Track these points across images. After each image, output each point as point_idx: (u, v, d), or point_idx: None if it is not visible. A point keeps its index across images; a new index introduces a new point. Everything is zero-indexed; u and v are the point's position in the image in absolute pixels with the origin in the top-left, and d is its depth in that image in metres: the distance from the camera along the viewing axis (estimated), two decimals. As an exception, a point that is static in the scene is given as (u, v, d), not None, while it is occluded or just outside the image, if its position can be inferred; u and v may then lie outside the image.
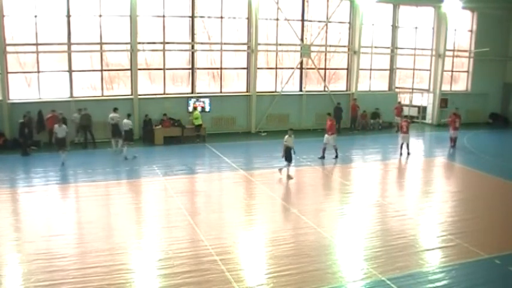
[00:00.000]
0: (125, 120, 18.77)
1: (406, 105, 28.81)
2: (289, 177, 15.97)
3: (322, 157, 18.67)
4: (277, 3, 24.15)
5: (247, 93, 24.43)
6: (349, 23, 25.97)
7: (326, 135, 18.78)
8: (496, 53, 28.75)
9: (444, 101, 28.37)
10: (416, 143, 23.56)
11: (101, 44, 21.42)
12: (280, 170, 16.20)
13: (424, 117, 29.24)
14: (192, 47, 23.23)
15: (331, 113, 20.29)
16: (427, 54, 28.34)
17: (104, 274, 8.95)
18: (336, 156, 18.83)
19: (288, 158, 15.93)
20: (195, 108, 22.28)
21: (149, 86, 23.04)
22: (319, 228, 11.46)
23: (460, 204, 14.12)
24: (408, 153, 19.91)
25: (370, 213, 12.96)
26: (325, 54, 26.40)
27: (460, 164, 18.88)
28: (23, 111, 19.47)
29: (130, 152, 18.55)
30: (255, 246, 10.65)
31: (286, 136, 16.10)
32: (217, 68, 24.11)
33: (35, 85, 20.83)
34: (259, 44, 23.86)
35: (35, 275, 8.90)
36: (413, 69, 28.57)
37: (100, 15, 21.08)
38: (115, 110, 19.77)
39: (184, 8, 22.73)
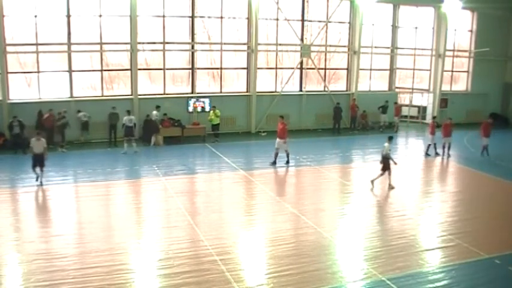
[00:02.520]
0: (131, 117, 19.42)
1: (406, 105, 28.85)
2: (390, 186, 15.00)
3: (274, 163, 17.59)
4: (277, 3, 24.14)
5: (247, 93, 24.42)
6: (349, 23, 25.96)
7: (277, 140, 17.61)
8: (496, 53, 28.74)
9: (444, 101, 28.40)
10: (416, 143, 23.57)
11: (101, 44, 21.41)
12: (390, 184, 15.10)
13: (424, 117, 29.24)
14: (192, 47, 23.22)
15: (283, 115, 19.00)
16: (427, 54, 28.34)
17: (104, 274, 8.95)
18: (287, 162, 17.78)
19: (386, 166, 14.91)
20: (214, 107, 22.11)
21: (149, 86, 23.04)
22: (319, 228, 11.46)
23: (460, 204, 14.12)
24: (437, 154, 19.75)
25: (370, 213, 12.97)
26: (325, 54, 26.39)
27: (460, 164, 18.85)
28: (23, 111, 19.52)
29: (130, 148, 19.08)
30: (255, 246, 10.65)
31: (386, 144, 15.07)
32: (217, 68, 24.10)
33: (35, 85, 20.83)
34: (259, 44, 23.85)
35: (35, 275, 8.90)
36: (413, 69, 28.56)
37: (100, 15, 21.07)
38: (157, 107, 21.03)
39: (184, 8, 22.73)
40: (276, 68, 25.23)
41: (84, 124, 20.62)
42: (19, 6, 19.88)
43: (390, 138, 15.26)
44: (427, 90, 28.86)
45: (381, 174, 14.93)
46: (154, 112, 20.96)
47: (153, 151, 20.08)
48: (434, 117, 21.11)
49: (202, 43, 23.63)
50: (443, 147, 19.57)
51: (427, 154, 19.90)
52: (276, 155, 17.62)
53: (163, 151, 20.08)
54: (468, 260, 9.91)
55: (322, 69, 26.32)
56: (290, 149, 20.71)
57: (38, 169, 14.43)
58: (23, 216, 12.41)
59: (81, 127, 20.64)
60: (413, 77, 28.77)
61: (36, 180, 14.55)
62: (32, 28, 20.16)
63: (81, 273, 8.98)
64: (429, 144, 19.98)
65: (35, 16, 20.12)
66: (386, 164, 14.88)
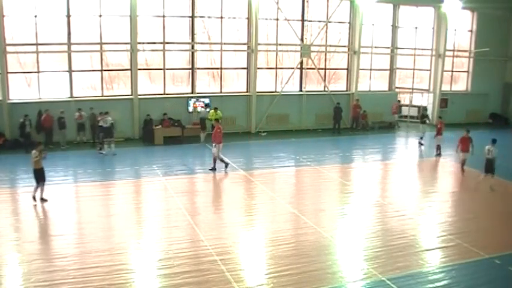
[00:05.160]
0: (108, 117, 19.05)
1: (406, 105, 28.86)
2: (491, 188, 14.93)
3: (226, 165, 16.71)
4: (277, 3, 24.14)
5: (247, 93, 24.41)
6: (349, 23, 25.96)
7: (213, 144, 16.58)
8: (496, 53, 28.75)
9: (444, 101, 28.42)
10: (416, 143, 23.54)
11: (101, 44, 21.41)
12: (491, 186, 14.97)
13: (424, 117, 29.25)
14: (192, 47, 23.22)
15: (219, 118, 18.41)
16: (427, 54, 28.34)
17: (104, 274, 8.94)
18: (213, 168, 16.55)
19: (490, 169, 14.97)
20: (216, 109, 21.89)
21: (149, 86, 23.04)
22: (319, 228, 11.46)
23: (460, 204, 14.14)
24: (439, 154, 19.64)
25: (370, 213, 12.96)
26: (325, 54, 26.39)
27: (460, 164, 18.81)
28: (23, 111, 19.52)
29: (110, 150, 18.91)
30: (255, 246, 10.65)
31: (488, 146, 15.04)
32: (217, 68, 24.09)
33: (35, 85, 20.82)
34: (259, 44, 23.85)
35: (35, 275, 8.90)
36: (413, 69, 28.57)
37: (100, 15, 21.07)
38: (207, 106, 21.94)
39: (184, 8, 22.73)
40: (276, 68, 25.21)
41: (81, 125, 20.65)
42: (19, 6, 19.87)
43: (494, 141, 15.28)
44: (427, 90, 28.86)
45: (491, 176, 15.06)
46: (202, 109, 21.80)
47: (152, 151, 20.07)
48: (440, 118, 20.81)
49: (202, 43, 23.63)
50: (462, 164, 17.04)
51: (438, 154, 19.70)
52: (221, 160, 16.68)
53: (163, 151, 20.07)
54: (468, 260, 9.91)
55: (322, 69, 26.31)
56: (290, 149, 20.83)
57: (40, 185, 13.04)
58: (23, 216, 12.39)
59: (78, 127, 20.66)
60: (413, 77, 28.77)
61: (34, 199, 12.98)
62: (32, 28, 20.16)
63: (81, 273, 8.98)
64: (438, 145, 19.75)
65: (35, 16, 20.11)
66: (490, 166, 15.02)
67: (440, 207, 13.58)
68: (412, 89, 28.63)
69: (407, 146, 23.68)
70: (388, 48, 27.40)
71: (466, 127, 17.66)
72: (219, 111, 21.90)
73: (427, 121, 22.52)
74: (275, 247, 10.38)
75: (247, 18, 23.79)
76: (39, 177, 12.96)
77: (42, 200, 13.03)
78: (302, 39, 24.98)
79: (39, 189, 13.02)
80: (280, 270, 9.26)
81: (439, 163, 19.26)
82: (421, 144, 21.67)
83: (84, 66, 21.65)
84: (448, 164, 18.93)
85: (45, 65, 20.86)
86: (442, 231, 11.51)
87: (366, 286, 8.80)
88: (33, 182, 13.13)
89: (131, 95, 22.07)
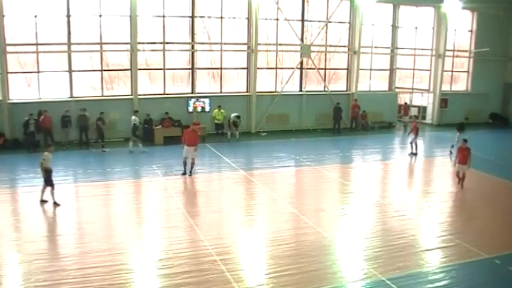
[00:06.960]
0: (133, 116, 19.63)
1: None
2: None
3: (184, 173, 16.05)
4: (277, 3, 24.14)
5: (247, 93, 24.42)
6: (349, 23, 25.96)
7: (185, 147, 15.87)
8: (496, 53, 28.75)
9: (444, 101, 28.44)
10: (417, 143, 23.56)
11: (101, 44, 21.40)
12: None
13: (424, 117, 29.27)
14: (192, 47, 23.22)
15: (189, 124, 18.03)
16: (427, 54, 28.35)
17: (104, 274, 8.95)
18: (190, 172, 16.13)
19: None
20: (219, 107, 22.38)
21: (149, 86, 23.04)
22: (319, 228, 11.46)
23: (460, 204, 14.15)
24: (413, 153, 19.98)
25: (370, 213, 12.96)
26: (325, 54, 26.39)
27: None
28: (23, 111, 19.50)
29: (137, 148, 19.32)
30: (255, 246, 10.64)
31: None
32: (217, 68, 24.10)
33: (35, 85, 20.82)
34: (259, 44, 23.85)
35: (35, 275, 8.90)
36: (413, 69, 28.59)
37: (100, 15, 21.07)
38: (234, 114, 22.22)
39: (184, 8, 22.72)
40: (276, 68, 25.21)
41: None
42: (19, 6, 19.87)
43: None
44: (427, 90, 28.88)
45: None
46: (222, 111, 22.43)
47: (152, 151, 20.07)
48: (416, 117, 21.21)
49: (202, 43, 23.62)
50: (459, 177, 15.33)
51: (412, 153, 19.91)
52: (185, 164, 16.07)
53: (163, 151, 20.06)
54: (468, 260, 9.92)
55: (322, 69, 26.31)
56: (290, 149, 20.82)
57: (49, 189, 12.91)
58: (23, 216, 12.40)
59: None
60: (413, 77, 28.80)
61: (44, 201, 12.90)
62: (32, 28, 20.14)
63: (81, 273, 8.98)
64: (414, 143, 19.91)
65: (35, 16, 20.11)
66: None
67: (440, 207, 13.58)
68: (412, 89, 28.64)
69: (407, 146, 23.64)
70: (388, 48, 27.40)
71: (464, 137, 16.49)
72: (222, 110, 21.99)
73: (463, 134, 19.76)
74: (275, 247, 10.38)
75: (247, 18, 23.79)
76: (47, 179, 12.80)
77: (43, 201, 13.01)
78: (302, 39, 24.98)
79: (46, 191, 12.95)
80: (280, 270, 9.26)
81: (439, 163, 19.27)
82: (451, 152, 19.89)
83: (84, 66, 21.62)
84: (448, 164, 18.92)
85: (45, 65, 20.84)
86: (442, 231, 11.51)
87: (366, 286, 8.81)
88: (33, 182, 13.06)
89: (131, 95, 22.06)
